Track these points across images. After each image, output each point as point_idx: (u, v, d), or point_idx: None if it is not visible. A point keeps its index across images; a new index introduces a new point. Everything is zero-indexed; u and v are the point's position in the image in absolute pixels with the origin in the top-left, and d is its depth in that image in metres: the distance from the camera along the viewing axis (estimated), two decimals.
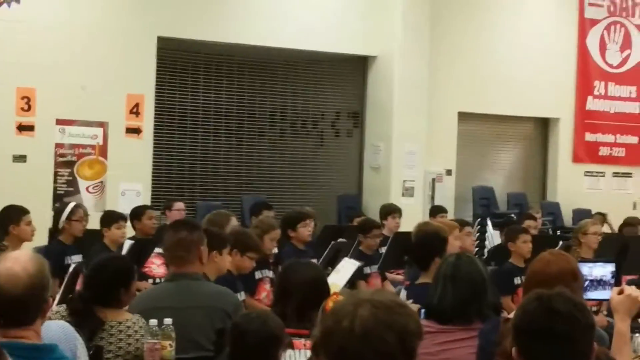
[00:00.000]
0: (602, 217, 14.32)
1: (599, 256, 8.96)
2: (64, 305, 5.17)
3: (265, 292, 8.15)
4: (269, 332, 4.30)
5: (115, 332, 5.01)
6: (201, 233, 5.60)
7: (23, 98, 12.60)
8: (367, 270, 9.53)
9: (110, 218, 9.37)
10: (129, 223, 9.72)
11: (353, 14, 15.23)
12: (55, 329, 3.91)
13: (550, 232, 15.49)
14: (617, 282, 5.96)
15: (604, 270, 5.84)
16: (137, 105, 13.41)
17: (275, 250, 9.24)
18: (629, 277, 8.80)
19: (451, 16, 16.19)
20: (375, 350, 2.58)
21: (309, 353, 4.59)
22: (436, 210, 12.88)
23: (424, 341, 2.72)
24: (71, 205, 9.33)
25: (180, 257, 5.46)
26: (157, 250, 8.74)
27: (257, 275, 8.20)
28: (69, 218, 9.05)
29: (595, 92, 18.01)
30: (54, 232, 9.19)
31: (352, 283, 7.97)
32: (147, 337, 4.95)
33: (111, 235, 9.16)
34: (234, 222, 8.20)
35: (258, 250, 7.39)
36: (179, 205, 11.17)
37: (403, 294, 7.08)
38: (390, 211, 11.66)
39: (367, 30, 15.31)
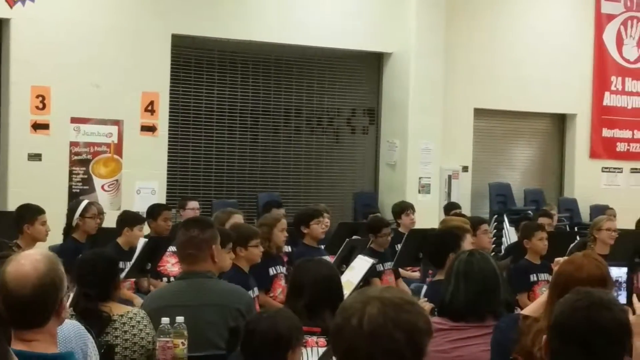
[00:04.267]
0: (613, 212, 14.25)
1: (615, 253, 8.90)
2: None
3: (281, 288, 8.15)
4: (277, 333, 4.20)
5: (118, 326, 5.02)
6: (214, 232, 5.56)
7: (38, 96, 12.60)
8: (379, 267, 9.50)
9: (135, 220, 9.30)
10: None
11: (369, 11, 15.19)
12: (66, 327, 3.86)
13: (568, 229, 15.42)
14: (631, 282, 5.90)
15: (619, 271, 5.77)
16: (151, 103, 13.41)
17: (288, 248, 9.24)
18: None
19: (467, 12, 16.13)
20: (383, 348, 2.57)
21: (321, 351, 4.56)
22: (450, 207, 12.85)
23: (436, 339, 2.71)
24: (84, 202, 9.33)
25: (191, 255, 5.44)
26: (172, 248, 8.73)
27: (272, 271, 8.20)
28: (82, 215, 9.05)
29: (612, 88, 17.92)
30: (67, 230, 9.20)
31: (365, 280, 7.93)
32: (159, 336, 4.94)
33: (132, 235, 9.06)
34: (236, 219, 8.17)
35: (257, 235, 7.39)
36: (193, 204, 11.15)
37: (424, 291, 7.05)
38: (403, 209, 11.64)
39: (382, 27, 15.28)
